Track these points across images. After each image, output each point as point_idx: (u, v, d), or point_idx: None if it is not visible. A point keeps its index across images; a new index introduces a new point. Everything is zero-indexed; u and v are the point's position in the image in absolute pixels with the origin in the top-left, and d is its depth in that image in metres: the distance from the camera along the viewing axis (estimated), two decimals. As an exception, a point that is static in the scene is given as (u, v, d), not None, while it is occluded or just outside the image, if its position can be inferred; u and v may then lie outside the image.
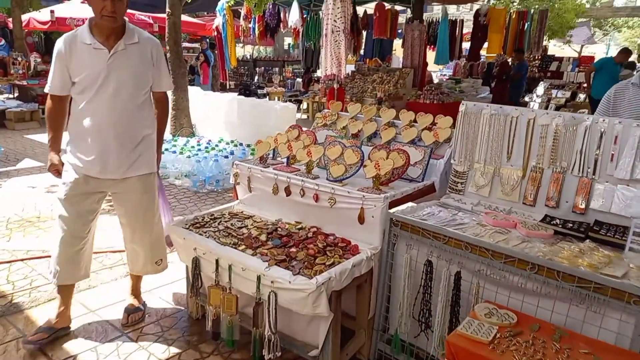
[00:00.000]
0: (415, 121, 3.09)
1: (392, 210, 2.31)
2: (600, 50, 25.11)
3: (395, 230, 2.24)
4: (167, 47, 6.95)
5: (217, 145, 6.10)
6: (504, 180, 2.42)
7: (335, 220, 2.47)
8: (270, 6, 9.99)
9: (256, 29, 10.56)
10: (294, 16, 9.88)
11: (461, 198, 2.54)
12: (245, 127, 6.40)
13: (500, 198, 2.44)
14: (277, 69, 22.82)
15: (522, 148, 2.38)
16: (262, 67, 21.31)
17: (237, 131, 6.53)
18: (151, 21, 14.49)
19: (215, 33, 11.39)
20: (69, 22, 12.55)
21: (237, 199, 3.07)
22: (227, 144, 6.22)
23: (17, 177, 5.69)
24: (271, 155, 3.10)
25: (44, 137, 8.13)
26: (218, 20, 11.07)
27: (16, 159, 6.54)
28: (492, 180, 2.47)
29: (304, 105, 12.78)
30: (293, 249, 2.29)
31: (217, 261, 2.33)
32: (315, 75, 13.45)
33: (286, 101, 13.14)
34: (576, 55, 20.39)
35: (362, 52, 12.35)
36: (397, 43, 16.76)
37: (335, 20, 8.83)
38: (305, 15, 10.34)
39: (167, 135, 7.02)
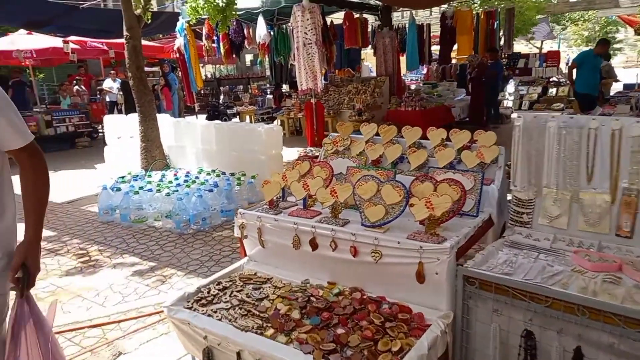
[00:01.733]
0: (448, 139, 2.62)
1: (462, 264, 1.81)
2: (551, 46, 25.65)
3: (470, 290, 1.74)
4: (129, 74, 6.31)
5: (197, 178, 5.48)
6: (587, 207, 1.96)
7: (383, 279, 1.95)
8: (234, 23, 9.45)
9: (221, 47, 9.99)
10: (261, 31, 9.37)
11: (530, 233, 2.07)
12: (226, 154, 5.81)
13: (583, 230, 1.98)
14: (241, 87, 22.26)
15: (607, 166, 1.93)
16: (227, 86, 20.71)
17: (217, 159, 5.92)
18: (106, 47, 13.71)
19: (177, 55, 10.78)
20: (15, 54, 11.68)
21: (245, 255, 2.50)
22: (209, 174, 5.61)
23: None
24: (281, 196, 2.56)
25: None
26: (179, 41, 10.44)
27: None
28: (570, 208, 2.01)
29: (277, 122, 12.26)
30: (341, 330, 1.75)
31: (238, 355, 1.76)
32: (286, 91, 12.96)
33: (259, 120, 12.59)
34: (537, 51, 20.69)
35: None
36: (365, 52, 16.52)
37: (306, 33, 8.38)
38: (269, 30, 9.85)
39: (139, 170, 6.35)
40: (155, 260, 4.07)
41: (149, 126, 6.28)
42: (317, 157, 8.56)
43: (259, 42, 9.67)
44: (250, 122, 12.53)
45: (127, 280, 3.68)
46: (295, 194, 2.35)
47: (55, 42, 12.66)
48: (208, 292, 2.15)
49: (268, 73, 24.65)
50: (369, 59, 19.60)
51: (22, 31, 13.21)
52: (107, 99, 13.03)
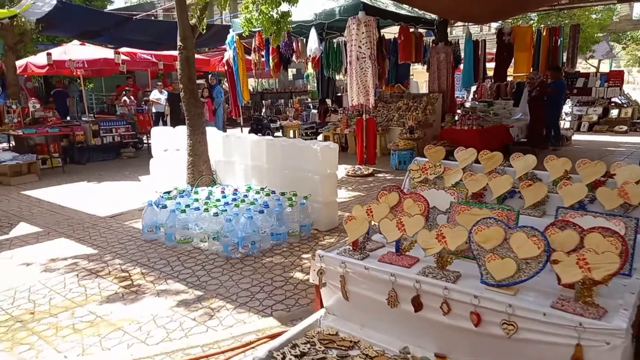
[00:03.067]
0: (572, 171, 2.11)
1: None
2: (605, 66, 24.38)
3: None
4: (180, 85, 6.06)
5: (246, 196, 5.12)
6: None
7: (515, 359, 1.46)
8: (286, 36, 9.19)
9: (270, 60, 9.75)
10: (312, 44, 9.07)
11: None
12: (277, 172, 5.43)
13: None
14: (282, 101, 22.21)
15: None
16: (269, 100, 20.64)
17: (267, 177, 5.56)
18: (154, 59, 13.80)
19: (225, 67, 10.62)
20: (67, 64, 11.82)
21: (321, 306, 2.06)
22: (258, 192, 5.25)
23: (9, 249, 4.70)
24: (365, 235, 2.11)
25: (43, 193, 7.19)
26: (228, 54, 10.29)
27: (9, 224, 5.57)
28: None
29: (321, 138, 11.90)
30: None
31: None
32: (332, 106, 12.61)
33: (302, 134, 12.27)
34: (594, 70, 19.64)
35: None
36: (414, 68, 16.04)
37: (360, 46, 7.99)
38: (320, 43, 9.54)
39: (184, 184, 6.06)
40: (202, 288, 3.69)
41: (198, 140, 6.00)
42: (367, 175, 8.14)
43: (309, 56, 9.37)
44: (294, 136, 12.22)
45: (172, 312, 3.31)
46: (386, 235, 1.90)
47: (106, 53, 12.81)
48: (281, 356, 1.71)
49: (310, 87, 24.55)
50: (416, 75, 19.11)
51: (75, 42, 13.47)
52: (154, 110, 13.05)
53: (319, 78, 13.04)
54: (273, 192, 5.24)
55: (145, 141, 11.75)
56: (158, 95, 13.96)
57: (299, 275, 3.91)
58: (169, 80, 17.76)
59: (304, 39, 10.63)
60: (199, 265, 4.17)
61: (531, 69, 11.16)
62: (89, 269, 4.14)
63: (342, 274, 1.82)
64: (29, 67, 12.53)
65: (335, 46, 9.39)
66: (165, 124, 14.07)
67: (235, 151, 5.98)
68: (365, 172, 7.89)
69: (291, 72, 28.34)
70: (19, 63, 11.75)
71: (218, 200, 5.04)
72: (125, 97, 12.85)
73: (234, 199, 5.06)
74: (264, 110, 19.18)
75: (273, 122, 13.98)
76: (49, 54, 11.11)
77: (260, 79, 25.18)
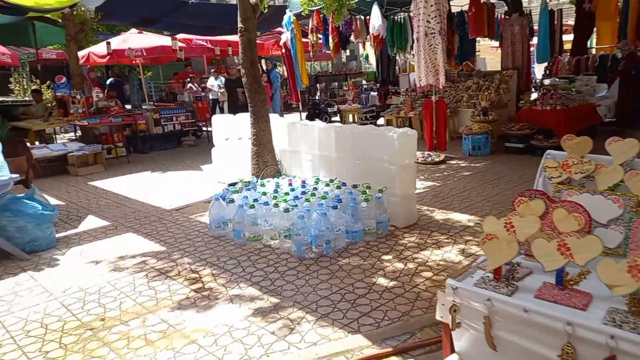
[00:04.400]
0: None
1: None
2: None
3: None
4: (243, 71, 5.75)
5: (315, 189, 4.76)
6: None
7: None
8: (348, 13, 8.68)
9: (330, 41, 9.28)
10: (375, 21, 8.51)
11: None
12: (347, 163, 5.03)
13: None
14: (336, 84, 21.70)
15: None
16: (323, 83, 20.19)
17: (336, 167, 5.17)
18: (210, 45, 13.69)
19: (283, 50, 10.28)
20: (127, 53, 11.90)
21: (452, 352, 1.63)
22: (327, 185, 4.87)
23: (79, 244, 4.60)
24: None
25: (109, 183, 7.18)
26: (285, 36, 9.92)
27: (78, 217, 5.52)
28: None
29: (382, 122, 11.36)
30: None
31: None
32: (393, 88, 11.99)
33: (362, 118, 11.77)
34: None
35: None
36: (479, 44, 15.02)
37: (428, 21, 7.31)
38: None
39: (248, 174, 5.79)
40: (277, 294, 3.38)
41: (262, 128, 5.69)
42: (438, 163, 7.57)
43: (371, 34, 8.82)
44: (354, 121, 11.75)
45: (248, 323, 3.01)
46: (543, 261, 1.44)
47: (163, 40, 12.82)
48: None
49: (365, 68, 23.80)
50: (483, 51, 17.99)
51: (133, 30, 13.59)
52: (210, 97, 12.98)
53: (378, 58, 12.43)
54: (343, 184, 4.84)
55: (205, 129, 11.69)
56: (213, 82, 13.87)
57: (382, 281, 3.51)
58: (223, 66, 17.72)
59: (363, 17, 10.08)
60: (271, 267, 3.86)
61: (616, 39, 10.02)
62: (158, 268, 3.94)
63: (487, 314, 1.39)
64: (90, 57, 12.78)
65: (401, 22, 8.76)
66: (222, 111, 14.01)
67: (301, 140, 5.62)
68: (437, 159, 7.32)
69: (344, 53, 27.69)
70: (82, 53, 11.97)
71: (287, 193, 4.71)
72: (190, 84, 12.84)
73: (303, 193, 4.71)
74: (318, 94, 18.79)
75: (330, 106, 13.56)
76: (108, 43, 11.22)
77: (312, 62, 24.77)
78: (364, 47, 11.27)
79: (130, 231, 4.94)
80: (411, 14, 8.13)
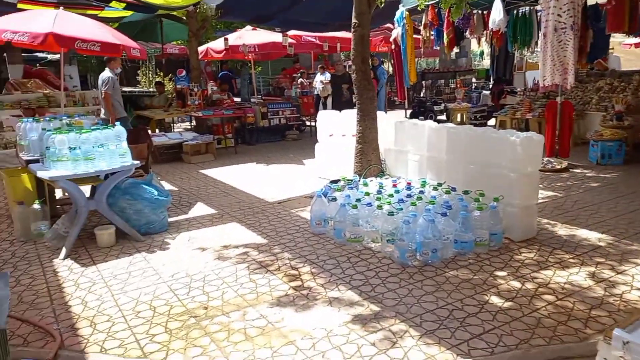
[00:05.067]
0: None
1: None
2: None
3: None
4: (353, 67, 5.61)
5: (422, 192, 4.48)
6: None
7: None
8: (469, 7, 8.16)
9: (445, 36, 8.81)
10: (496, 16, 7.87)
11: None
12: (458, 167, 4.67)
13: None
14: (443, 81, 20.84)
15: None
16: (429, 80, 19.50)
17: (446, 171, 4.83)
18: (319, 42, 13.83)
19: (393, 46, 10.00)
20: (241, 49, 12.42)
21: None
22: (435, 189, 4.56)
23: (187, 230, 4.81)
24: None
25: (218, 172, 7.51)
26: (396, 32, 9.61)
27: (189, 203, 5.81)
28: None
29: (491, 123, 10.61)
30: None
31: None
32: (509, 87, 11.13)
33: (471, 117, 11.10)
34: None
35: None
36: (612, 40, 13.41)
37: (559, 15, 6.59)
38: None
39: (350, 172, 5.66)
40: (378, 302, 3.19)
41: (368, 126, 5.52)
42: (560, 170, 6.83)
43: (491, 29, 8.20)
44: (462, 121, 11.12)
45: (347, 330, 2.86)
46: None
47: (275, 37, 13.19)
48: None
49: (476, 66, 22.55)
50: (617, 49, 16.12)
51: (248, 27, 14.16)
52: (315, 93, 13.11)
53: (493, 55, 11.63)
54: (453, 189, 4.50)
55: (308, 124, 11.83)
56: (320, 78, 13.98)
57: (495, 300, 3.16)
58: (330, 63, 17.85)
59: (481, 12, 9.43)
60: (371, 271, 3.68)
61: None
62: (259, 261, 3.95)
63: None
64: (209, 52, 13.55)
65: (525, 16, 8.03)
66: (324, 106, 14.09)
67: (408, 139, 5.35)
68: (558, 167, 6.60)
69: (454, 49, 26.47)
70: (201, 49, 12.73)
71: (391, 195, 4.49)
72: (301, 79, 13.11)
73: (409, 196, 4.46)
74: (423, 91, 18.18)
75: (437, 104, 13.00)
76: (226, 39, 11.78)
77: (419, 59, 24.05)
78: (479, 44, 10.58)
79: (234, 221, 5.07)
80: (538, 7, 7.42)
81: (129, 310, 3.20)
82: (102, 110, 7.20)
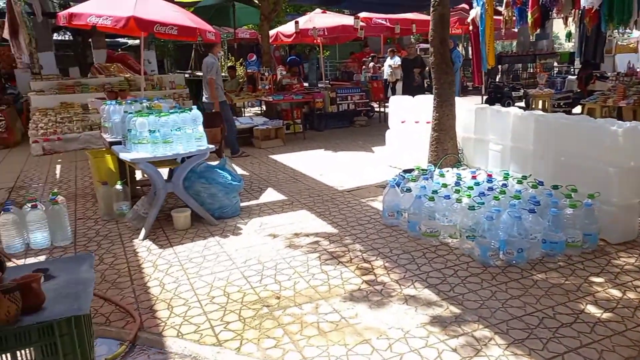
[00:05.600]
0: None
1: None
2: None
3: None
4: (431, 49, 5.32)
5: (505, 186, 4.16)
6: None
7: None
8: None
9: (529, 16, 8.18)
10: (590, -8, 7.18)
11: None
12: (547, 159, 4.29)
13: None
14: (520, 65, 19.64)
15: None
16: (506, 64, 18.45)
17: (532, 163, 4.46)
18: (389, 24, 13.42)
19: (471, 28, 9.46)
20: (310, 32, 12.30)
21: None
22: (519, 182, 4.22)
23: (259, 216, 4.82)
24: None
25: (287, 158, 7.51)
26: (475, 11, 9.07)
27: (260, 189, 5.84)
28: None
29: (577, 110, 9.78)
30: None
31: None
32: (598, 72, 10.21)
33: (554, 105, 10.32)
34: None
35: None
36: None
37: (668, -11, 5.92)
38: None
39: (423, 161, 5.41)
40: (458, 303, 2.99)
41: (445, 112, 5.22)
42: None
43: (584, 7, 7.49)
44: (544, 108, 10.37)
45: (425, 332, 2.69)
46: None
47: (344, 20, 12.95)
48: None
49: (557, 48, 20.99)
50: None
51: (317, 10, 14.01)
52: (384, 77, 12.79)
53: (582, 36, 10.69)
54: (540, 183, 4.15)
55: (377, 109, 11.57)
56: (389, 62, 13.61)
57: (592, 310, 2.86)
58: (400, 46, 17.35)
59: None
60: (449, 269, 3.47)
61: None
62: (330, 251, 3.86)
63: None
64: (278, 36, 13.56)
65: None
66: (392, 91, 13.73)
67: (490, 128, 5.01)
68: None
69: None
70: (270, 33, 12.77)
71: (470, 188, 4.22)
72: (372, 63, 12.87)
73: (490, 189, 4.16)
74: (498, 76, 17.22)
75: (515, 90, 12.23)
76: (296, 22, 11.71)
77: (495, 41, 22.77)
78: (565, 24, 9.75)
79: (304, 208, 5.01)
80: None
81: (204, 295, 3.23)
82: (205, 94, 7.44)
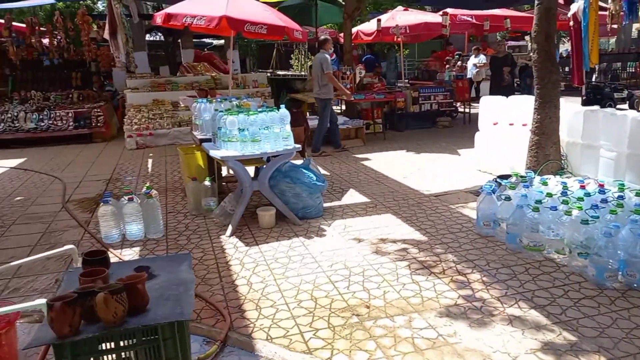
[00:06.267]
0: None
1: None
2: None
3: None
4: (534, 46, 4.90)
5: (620, 198, 3.70)
6: None
7: None
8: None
9: (641, 8, 7.36)
10: None
11: None
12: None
13: None
14: (619, 64, 18.06)
15: None
16: (604, 63, 16.99)
17: (654, 174, 3.95)
18: (475, 21, 12.77)
19: (571, 23, 8.71)
20: (392, 31, 12.02)
21: None
22: (638, 194, 3.74)
23: (342, 218, 4.69)
24: None
25: (368, 158, 7.35)
26: (577, 5, 8.33)
27: (341, 189, 5.72)
28: None
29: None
30: None
31: None
32: None
33: (665, 109, 9.25)
34: None
35: None
36: None
37: None
38: None
39: (519, 168, 5.01)
40: (573, 329, 2.66)
41: (548, 115, 4.79)
42: None
43: None
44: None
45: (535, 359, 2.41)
46: None
47: (427, 17, 12.52)
48: None
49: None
50: None
51: (399, 8, 13.69)
52: (468, 77, 12.21)
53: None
54: (664, 196, 3.64)
55: (462, 110, 11.06)
56: (473, 60, 13.00)
57: None
58: (487, 43, 16.53)
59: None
60: (558, 289, 3.13)
61: None
62: (421, 260, 3.64)
63: None
64: (358, 34, 13.40)
65: None
66: (477, 92, 13.09)
67: (601, 132, 4.52)
68: None
69: (636, 27, 22.85)
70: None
71: (580, 199, 3.79)
72: (460, 62, 12.40)
73: (604, 201, 3.71)
74: (595, 75, 15.86)
75: (617, 91, 11.17)
76: (378, 20, 11.49)
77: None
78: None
79: (389, 212, 4.82)
80: None
81: (291, 298, 3.15)
82: (316, 89, 7.60)
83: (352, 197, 5.42)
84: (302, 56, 17.21)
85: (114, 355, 1.60)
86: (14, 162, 7.97)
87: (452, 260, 3.63)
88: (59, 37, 11.80)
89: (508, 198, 3.98)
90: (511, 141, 5.84)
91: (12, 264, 2.60)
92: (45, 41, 12.04)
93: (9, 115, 9.39)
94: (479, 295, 3.10)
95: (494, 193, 4.18)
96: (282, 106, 4.64)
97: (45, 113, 9.51)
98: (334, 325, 2.80)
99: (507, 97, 6.38)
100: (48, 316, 1.45)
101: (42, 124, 9.39)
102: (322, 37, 7.74)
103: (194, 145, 5.60)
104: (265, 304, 3.09)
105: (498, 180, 4.59)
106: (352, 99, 8.67)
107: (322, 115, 7.59)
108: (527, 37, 21.94)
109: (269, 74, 13.95)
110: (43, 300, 1.92)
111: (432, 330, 2.72)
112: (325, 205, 5.03)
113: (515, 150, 5.70)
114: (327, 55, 7.46)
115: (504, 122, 6.05)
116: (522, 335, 2.63)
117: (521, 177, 4.49)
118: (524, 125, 5.74)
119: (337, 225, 4.51)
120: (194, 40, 14.29)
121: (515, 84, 11.22)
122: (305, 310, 2.99)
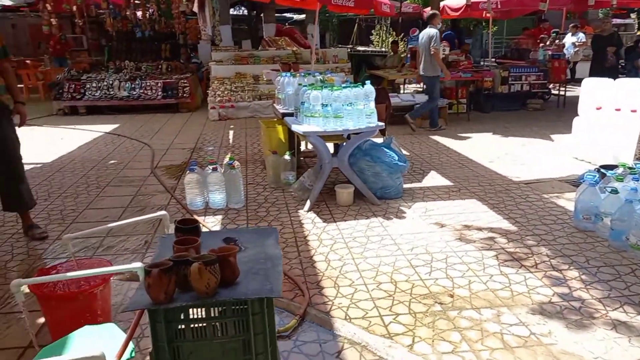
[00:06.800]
0: None
1: None
2: None
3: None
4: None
5: None
6: None
7: None
8: None
9: None
10: None
11: None
12: None
13: None
14: None
15: None
16: None
17: None
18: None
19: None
20: (482, 6, 11.29)
21: None
22: None
23: (422, 201, 4.51)
24: None
25: (450, 140, 7.02)
26: None
27: (422, 171, 5.50)
28: None
29: None
30: None
31: None
32: None
33: None
34: None
35: None
36: None
37: None
38: None
39: (631, 160, 4.51)
40: (687, 343, 2.34)
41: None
42: None
43: None
44: None
45: (647, 373, 2.15)
46: None
47: (523, -10, 11.60)
48: None
49: None
50: None
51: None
52: (566, 56, 11.23)
53: None
54: None
55: (556, 92, 10.23)
56: (571, 39, 11.96)
57: None
58: (586, 21, 15.12)
59: None
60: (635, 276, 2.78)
61: None
62: (510, 251, 3.40)
63: None
64: (445, 9, 12.72)
65: None
66: (572, 72, 12.08)
67: None
68: None
69: None
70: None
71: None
72: (557, 40, 11.51)
73: None
74: None
75: None
76: (470, -6, 10.81)
77: None
78: None
79: (474, 197, 4.56)
80: None
81: (370, 279, 3.06)
82: (421, 66, 7.48)
83: (434, 179, 5.20)
84: (384, 32, 16.73)
85: (204, 324, 1.60)
86: (108, 128, 8.53)
87: (546, 254, 3.35)
88: (151, 10, 12.33)
89: (615, 191, 3.59)
90: (617, 128, 5.29)
91: (110, 225, 2.74)
92: (139, 13, 12.64)
93: (105, 83, 10.03)
94: (577, 294, 2.83)
95: (597, 184, 3.79)
96: (368, 82, 4.48)
97: (137, 82, 10.05)
98: (415, 312, 2.69)
99: (613, 79, 5.76)
100: (145, 281, 1.46)
101: (134, 92, 9.95)
102: (431, 12, 7.47)
103: (275, 119, 5.62)
104: (343, 282, 3.03)
105: (602, 170, 4.16)
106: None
107: (432, 94, 7.52)
108: (632, 15, 19.76)
109: (348, 50, 13.72)
110: (139, 264, 1.99)
111: (523, 327, 2.52)
112: (405, 186, 4.86)
113: (621, 138, 5.16)
114: (437, 30, 7.23)
115: (610, 107, 5.48)
116: (629, 343, 2.36)
117: (629, 168, 4.03)
118: (632, 111, 5.17)
119: (417, 207, 4.34)
120: (275, 15, 14.35)
121: (620, 66, 10.15)
122: (385, 292, 2.90)
